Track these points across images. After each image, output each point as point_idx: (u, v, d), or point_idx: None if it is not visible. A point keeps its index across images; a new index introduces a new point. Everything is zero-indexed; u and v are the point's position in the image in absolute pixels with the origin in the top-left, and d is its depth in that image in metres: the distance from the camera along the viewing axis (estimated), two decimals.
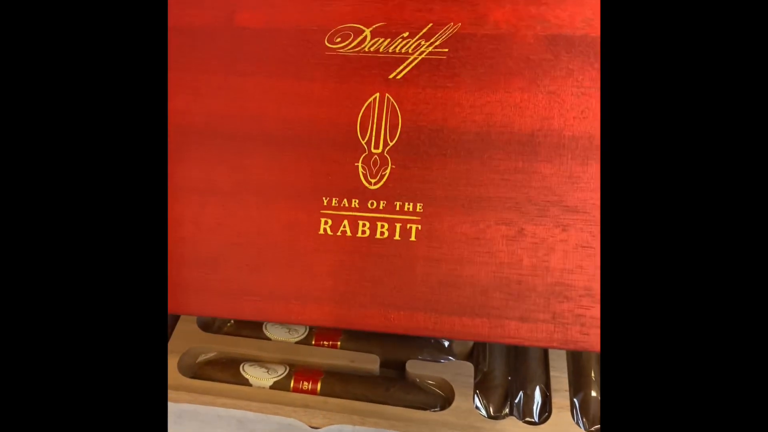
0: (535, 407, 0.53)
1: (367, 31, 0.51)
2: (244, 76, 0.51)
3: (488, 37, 0.49)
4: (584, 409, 0.53)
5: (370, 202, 0.48)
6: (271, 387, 0.54)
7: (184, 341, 0.58)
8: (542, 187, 0.46)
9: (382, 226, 0.48)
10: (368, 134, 0.49)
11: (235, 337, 0.59)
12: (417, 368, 0.55)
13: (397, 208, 0.48)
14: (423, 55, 0.49)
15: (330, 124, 0.49)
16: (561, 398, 0.53)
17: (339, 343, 0.59)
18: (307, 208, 0.49)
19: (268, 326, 0.60)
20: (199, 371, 0.56)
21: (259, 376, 0.55)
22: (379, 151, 0.49)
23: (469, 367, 0.55)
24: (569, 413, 0.52)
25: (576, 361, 0.57)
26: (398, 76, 0.49)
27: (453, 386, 0.53)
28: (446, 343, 0.58)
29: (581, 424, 0.52)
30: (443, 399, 0.54)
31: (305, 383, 0.54)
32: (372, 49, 0.50)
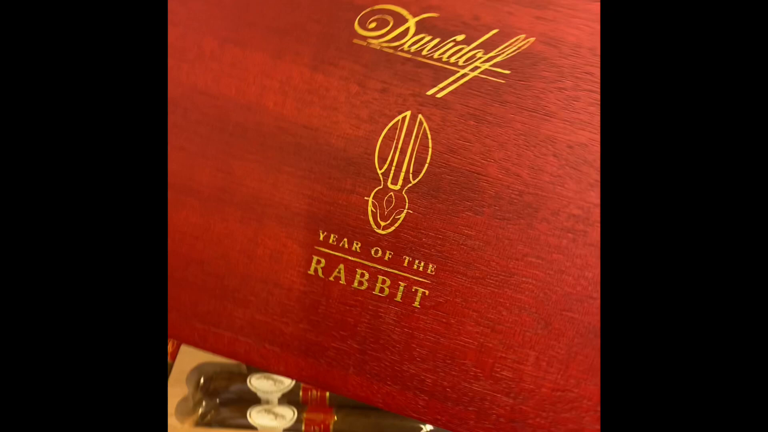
0: None
1: (412, 21, 0.38)
2: (245, 47, 0.40)
3: (565, 65, 0.37)
4: None
5: (374, 249, 0.39)
6: None
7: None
8: (581, 277, 0.38)
9: (383, 282, 0.39)
10: (387, 163, 0.39)
11: (217, 430, 0.52)
12: None
13: (405, 264, 0.39)
14: (476, 72, 0.38)
15: (343, 139, 0.39)
16: None
17: (331, 425, 0.52)
18: (299, 238, 0.40)
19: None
20: None
21: None
22: (397, 187, 0.39)
23: None
24: None
25: None
26: (439, 94, 0.38)
27: None
28: None
29: None
30: None
31: None
32: (413, 48, 0.38)
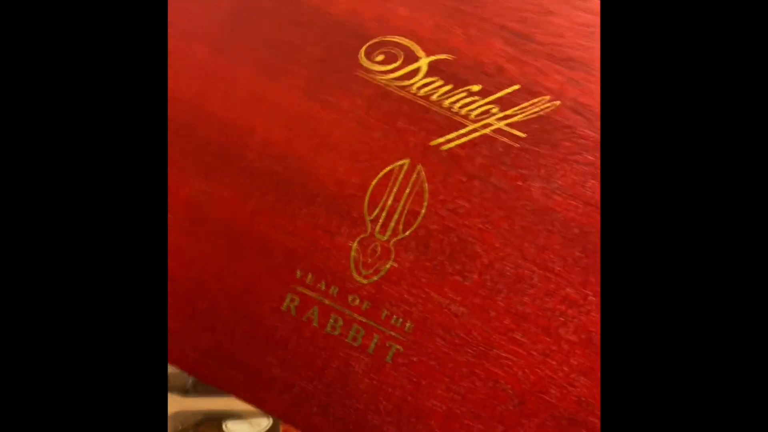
0: None
1: (424, 61, 0.33)
2: (236, 62, 0.35)
3: (590, 138, 0.32)
4: None
5: (352, 297, 0.37)
6: None
7: None
8: (565, 363, 0.35)
9: (357, 331, 0.37)
10: (377, 211, 0.35)
11: None
12: None
13: (383, 317, 0.37)
14: (488, 130, 0.33)
15: (333, 178, 0.35)
16: None
17: None
18: (275, 273, 0.37)
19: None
20: None
21: None
22: (385, 238, 0.36)
23: None
24: None
25: None
26: (444, 146, 0.34)
27: None
28: None
29: None
30: None
31: None
32: (422, 92, 0.34)
